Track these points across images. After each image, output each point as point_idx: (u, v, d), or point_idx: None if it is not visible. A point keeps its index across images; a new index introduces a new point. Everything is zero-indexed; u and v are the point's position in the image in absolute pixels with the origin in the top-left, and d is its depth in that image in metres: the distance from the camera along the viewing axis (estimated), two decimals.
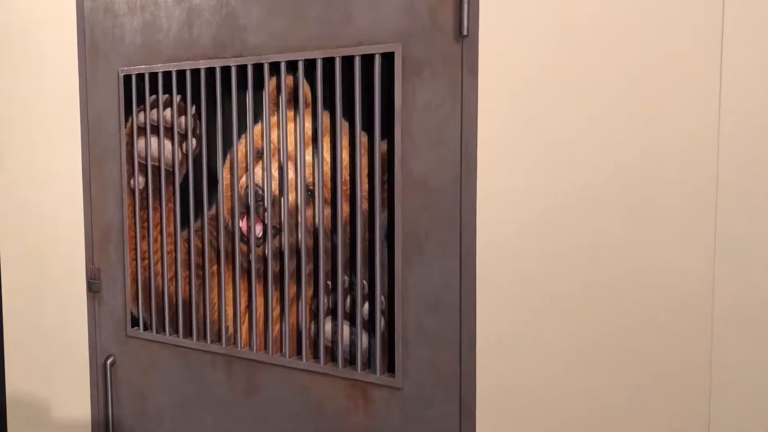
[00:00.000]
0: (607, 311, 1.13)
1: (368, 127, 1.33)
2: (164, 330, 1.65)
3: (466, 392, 1.26)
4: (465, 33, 1.20)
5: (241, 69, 1.48)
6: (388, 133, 1.31)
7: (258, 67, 1.45)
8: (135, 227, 1.67)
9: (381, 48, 1.29)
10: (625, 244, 1.11)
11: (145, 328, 1.68)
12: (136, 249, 1.67)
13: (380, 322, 1.34)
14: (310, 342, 1.44)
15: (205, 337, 1.59)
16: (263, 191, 1.47)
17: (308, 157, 1.41)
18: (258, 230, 1.48)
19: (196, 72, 1.54)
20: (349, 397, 1.39)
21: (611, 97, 1.11)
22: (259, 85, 1.46)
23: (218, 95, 1.51)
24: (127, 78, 1.65)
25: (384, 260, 1.33)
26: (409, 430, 1.33)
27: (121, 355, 1.73)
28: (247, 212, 1.49)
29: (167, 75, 1.58)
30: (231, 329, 1.54)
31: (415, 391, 1.32)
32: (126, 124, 1.66)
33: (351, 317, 1.38)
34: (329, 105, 1.38)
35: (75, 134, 1.75)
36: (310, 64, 1.39)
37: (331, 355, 1.42)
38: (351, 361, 1.39)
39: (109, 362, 1.73)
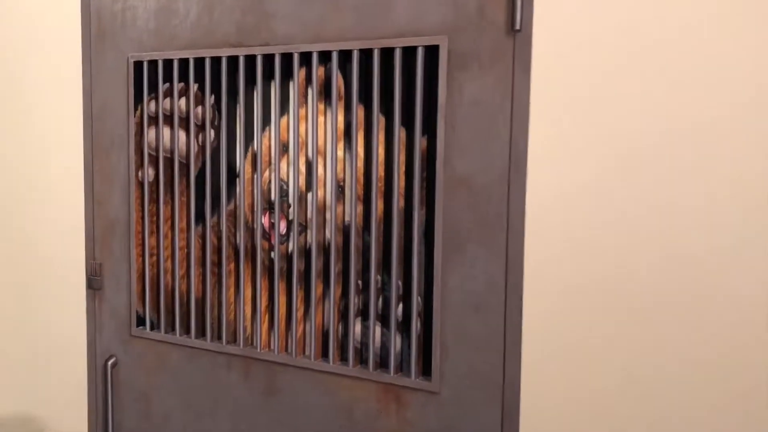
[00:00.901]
0: (663, 318, 1.11)
1: (407, 123, 1.29)
2: (174, 330, 1.57)
3: (510, 399, 1.22)
4: (518, 27, 1.17)
5: (267, 58, 1.41)
6: (428, 128, 1.27)
7: (286, 57, 1.39)
8: (143, 221, 1.58)
9: (425, 40, 1.25)
10: (684, 247, 1.09)
11: (152, 328, 1.60)
12: (143, 244, 1.59)
13: (416, 324, 1.29)
14: (338, 343, 1.39)
15: (219, 338, 1.52)
16: (288, 186, 1.41)
17: (339, 152, 1.35)
18: (282, 227, 1.42)
19: (216, 60, 1.47)
20: (381, 400, 1.34)
21: (672, 97, 1.09)
22: (285, 76, 1.40)
23: (241, 85, 1.44)
24: (138, 65, 1.56)
25: (421, 260, 1.29)
26: None
27: (123, 356, 1.65)
28: (270, 208, 1.43)
29: (183, 63, 1.51)
30: (249, 330, 1.48)
31: (453, 396, 1.28)
32: (135, 113, 1.58)
33: (383, 318, 1.34)
34: (364, 98, 1.33)
35: (77, 123, 1.65)
36: (343, 56, 1.34)
37: (360, 357, 1.37)
38: (382, 363, 1.35)
39: (110, 363, 1.64)
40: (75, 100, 1.65)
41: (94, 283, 1.67)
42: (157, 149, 1.56)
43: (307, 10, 1.35)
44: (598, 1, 1.12)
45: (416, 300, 1.29)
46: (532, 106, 1.17)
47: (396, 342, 1.32)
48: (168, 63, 1.52)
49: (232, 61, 1.45)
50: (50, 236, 1.71)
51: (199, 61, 1.48)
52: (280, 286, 1.43)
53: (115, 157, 1.61)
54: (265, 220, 1.44)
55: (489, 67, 1.20)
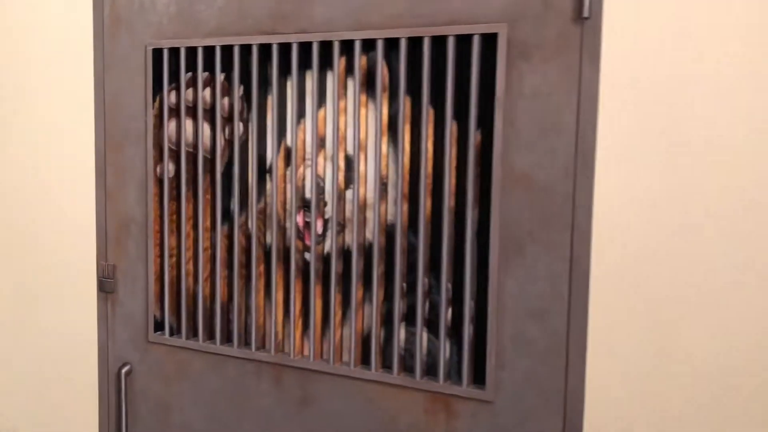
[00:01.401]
0: (740, 325, 1.05)
1: (458, 116, 1.21)
2: (196, 335, 1.48)
3: (573, 408, 1.16)
4: (586, 15, 1.10)
5: (304, 47, 1.32)
6: (483, 122, 1.19)
7: (325, 45, 1.30)
8: (162, 220, 1.48)
9: (481, 28, 1.17)
10: (763, 247, 1.03)
11: (172, 333, 1.50)
12: (162, 245, 1.49)
13: (468, 329, 1.22)
14: (380, 349, 1.31)
15: (248, 344, 1.43)
16: (324, 183, 1.32)
17: (383, 147, 1.27)
18: (318, 226, 1.33)
19: (245, 48, 1.37)
20: (429, 411, 1.27)
21: (750, 91, 1.03)
22: (323, 66, 1.31)
23: (274, 75, 1.35)
24: (157, 53, 1.46)
25: (474, 261, 1.21)
26: None
27: (139, 364, 1.54)
28: (305, 206, 1.34)
29: (209, 51, 1.41)
30: (281, 335, 1.39)
31: (509, 405, 1.21)
32: (153, 105, 1.47)
33: (430, 323, 1.26)
34: (410, 90, 1.25)
35: (87, 114, 1.54)
36: (387, 44, 1.26)
37: (403, 364, 1.29)
38: (428, 371, 1.27)
39: (124, 371, 1.54)
40: (86, 89, 1.54)
41: (106, 286, 1.56)
42: (177, 143, 1.46)
43: None
44: None
45: (469, 304, 1.22)
46: (602, 99, 1.10)
47: (446, 348, 1.24)
48: (191, 51, 1.43)
49: (264, 49, 1.36)
50: (58, 236, 1.60)
51: (227, 50, 1.39)
52: (316, 289, 1.34)
53: (130, 151, 1.51)
54: (300, 219, 1.35)
55: (553, 57, 1.13)
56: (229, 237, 1.42)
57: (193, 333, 1.48)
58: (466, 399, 1.24)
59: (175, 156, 1.46)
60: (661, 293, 1.09)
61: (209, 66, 1.41)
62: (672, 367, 1.09)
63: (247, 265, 1.41)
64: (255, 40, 1.35)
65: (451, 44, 1.20)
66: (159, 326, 1.51)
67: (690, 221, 1.07)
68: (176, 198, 1.48)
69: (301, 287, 1.36)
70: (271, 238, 1.37)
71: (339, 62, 1.29)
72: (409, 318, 1.28)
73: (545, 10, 1.13)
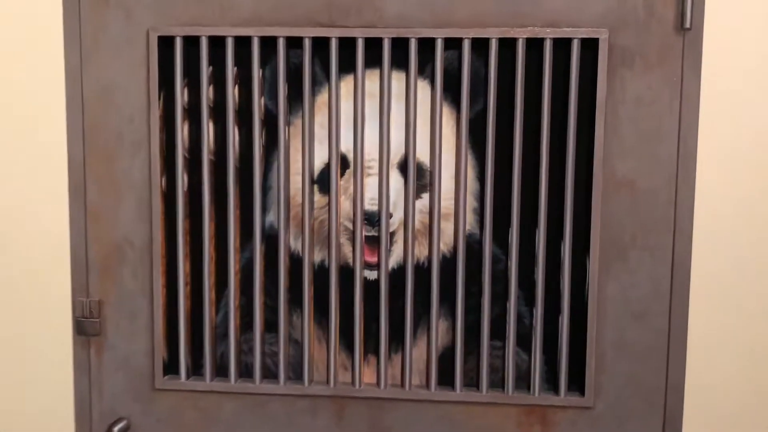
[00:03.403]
0: None
1: (554, 121, 1.18)
2: (225, 374, 1.26)
3: (672, 406, 1.20)
4: (687, 26, 1.14)
5: (371, 43, 1.19)
6: (581, 127, 1.18)
7: (399, 43, 1.19)
8: (175, 242, 1.24)
9: (582, 33, 1.15)
10: None
11: (189, 376, 1.27)
12: (173, 271, 1.25)
13: (566, 338, 1.20)
14: (462, 368, 1.23)
15: (299, 378, 1.25)
16: (390, 193, 1.21)
17: (466, 153, 1.20)
18: (387, 241, 1.22)
19: (294, 41, 1.20)
20: (522, 424, 1.23)
21: None
22: (390, 66, 1.20)
23: (333, 73, 1.19)
24: (165, 41, 1.21)
25: (570, 269, 1.20)
26: None
27: (141, 417, 1.28)
28: (366, 219, 1.22)
29: (242, 42, 1.20)
30: (338, 365, 1.25)
31: (609, 409, 1.22)
32: (159, 105, 1.22)
33: (520, 335, 1.22)
34: (497, 94, 1.19)
35: (59, 118, 1.23)
36: (471, 44, 1.18)
37: (489, 380, 1.23)
38: (518, 385, 1.23)
39: (117, 429, 1.26)
40: (56, 86, 1.23)
41: (87, 328, 1.26)
42: (192, 150, 1.23)
43: None
44: None
45: (567, 312, 1.20)
46: (703, 107, 1.15)
47: (537, 358, 1.21)
48: (216, 41, 1.21)
49: (318, 43, 1.20)
50: (26, 271, 1.26)
51: (267, 41, 1.20)
52: (385, 309, 1.22)
53: (125, 160, 1.23)
54: (363, 234, 1.22)
55: (656, 65, 1.15)
56: (268, 257, 1.24)
57: (218, 372, 1.27)
58: (564, 408, 1.22)
59: (189, 165, 1.23)
60: (761, 292, 1.17)
61: (238, 60, 1.21)
62: None
63: (291, 288, 1.24)
64: (308, 33, 1.18)
65: (548, 47, 1.16)
66: (171, 368, 1.27)
67: None
68: (191, 215, 1.24)
69: (364, 309, 1.23)
70: (327, 256, 1.22)
71: (415, 61, 1.19)
72: (495, 332, 1.22)
73: (647, 19, 1.15)
